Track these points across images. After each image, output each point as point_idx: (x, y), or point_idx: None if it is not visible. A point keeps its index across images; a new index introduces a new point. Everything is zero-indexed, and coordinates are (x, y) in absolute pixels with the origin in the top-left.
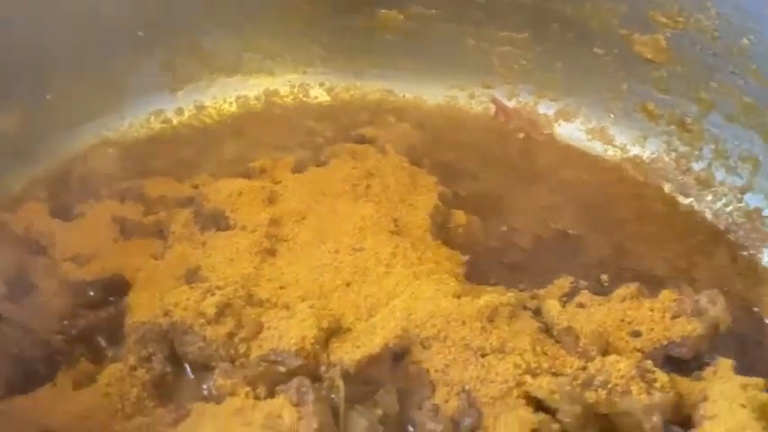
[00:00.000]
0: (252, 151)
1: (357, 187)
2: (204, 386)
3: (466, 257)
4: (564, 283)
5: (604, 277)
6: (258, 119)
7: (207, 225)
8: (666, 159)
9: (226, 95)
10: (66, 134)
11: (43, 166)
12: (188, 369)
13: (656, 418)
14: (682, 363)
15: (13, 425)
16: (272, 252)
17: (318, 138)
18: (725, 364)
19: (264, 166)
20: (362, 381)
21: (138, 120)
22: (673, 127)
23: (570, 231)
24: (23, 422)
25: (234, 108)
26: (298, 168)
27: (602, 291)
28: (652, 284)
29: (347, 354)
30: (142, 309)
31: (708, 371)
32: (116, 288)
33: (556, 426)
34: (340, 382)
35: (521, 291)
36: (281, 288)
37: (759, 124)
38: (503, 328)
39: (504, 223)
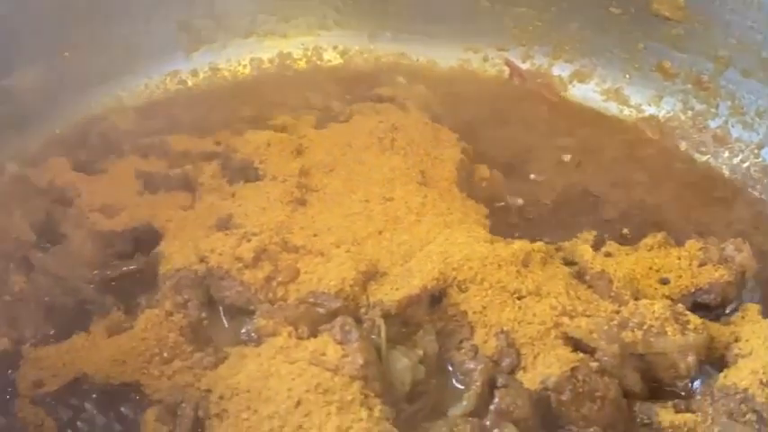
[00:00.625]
0: (270, 111)
1: (383, 140)
2: (243, 330)
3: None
4: (588, 236)
5: (626, 231)
6: (273, 80)
7: (235, 177)
8: (683, 118)
9: (240, 57)
10: (82, 94)
11: (60, 125)
12: (224, 316)
13: (690, 358)
14: (710, 309)
15: (47, 371)
16: (302, 201)
17: (336, 98)
18: (753, 308)
19: (286, 123)
20: (402, 322)
21: (154, 81)
22: (689, 85)
23: (590, 189)
24: (58, 368)
25: (248, 70)
26: (319, 125)
27: (625, 243)
28: (675, 237)
29: (386, 295)
30: (176, 257)
31: (736, 315)
32: (146, 238)
33: (594, 364)
34: (381, 322)
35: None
36: (315, 236)
37: None
38: (537, 273)
39: (526, 180)
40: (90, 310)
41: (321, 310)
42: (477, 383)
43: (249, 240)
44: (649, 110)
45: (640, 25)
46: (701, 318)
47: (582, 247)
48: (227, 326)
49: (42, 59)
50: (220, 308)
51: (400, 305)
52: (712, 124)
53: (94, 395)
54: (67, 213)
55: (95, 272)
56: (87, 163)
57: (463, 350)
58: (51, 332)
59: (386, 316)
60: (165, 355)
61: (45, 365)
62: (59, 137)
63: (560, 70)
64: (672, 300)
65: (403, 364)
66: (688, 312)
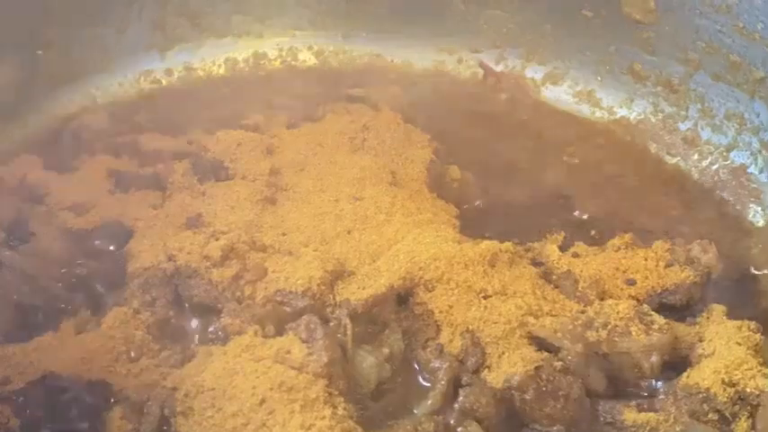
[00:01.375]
0: (243, 111)
1: (354, 140)
2: (210, 329)
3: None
4: (557, 237)
5: (594, 232)
6: (247, 80)
7: (206, 176)
8: (653, 120)
9: (215, 57)
10: (55, 92)
11: (32, 123)
12: (191, 314)
13: (654, 358)
14: (675, 309)
15: (13, 368)
16: (272, 201)
17: (309, 98)
18: (718, 309)
19: (258, 123)
20: (368, 321)
21: (128, 79)
22: (659, 88)
23: (561, 190)
24: (24, 366)
25: (222, 70)
26: (291, 125)
27: (594, 244)
28: (643, 238)
29: (353, 294)
30: (144, 255)
31: (701, 317)
32: (115, 237)
33: (558, 363)
34: (347, 321)
35: (515, 244)
36: (284, 235)
37: (744, 81)
38: (504, 272)
39: (497, 180)
40: (58, 308)
41: (288, 309)
42: (443, 382)
43: (217, 239)
44: (621, 112)
45: (612, 28)
46: (666, 318)
47: (549, 248)
48: (194, 324)
49: (15, 57)
50: (187, 306)
51: (366, 304)
52: (682, 127)
53: (61, 393)
54: (37, 211)
55: (64, 270)
56: (59, 161)
57: (429, 349)
58: (19, 330)
59: (352, 315)
60: (132, 353)
61: (12, 363)
62: (31, 135)
63: (533, 72)
64: (638, 300)
65: (369, 362)
66: (653, 313)
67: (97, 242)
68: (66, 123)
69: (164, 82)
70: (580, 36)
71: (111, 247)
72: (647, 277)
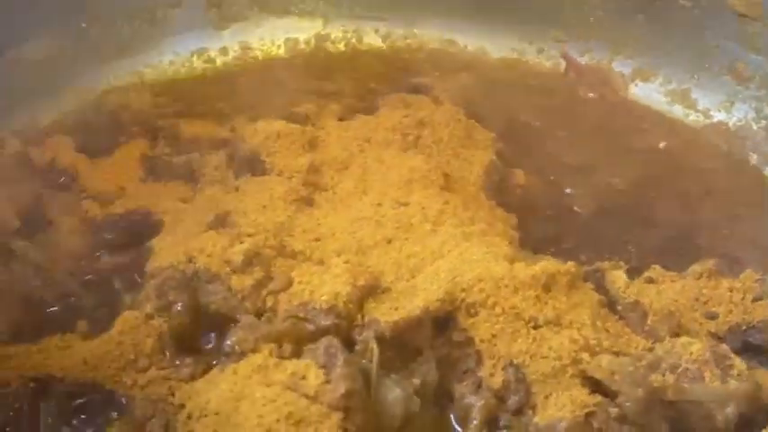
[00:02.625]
0: (297, 97)
1: (407, 137)
2: (227, 342)
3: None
4: (630, 256)
5: (675, 255)
6: (307, 64)
7: (241, 169)
8: (755, 128)
9: (274, 37)
10: (100, 67)
11: (74, 99)
12: (208, 323)
13: (730, 410)
14: (762, 352)
15: (13, 370)
16: (309, 201)
17: (369, 86)
18: None
19: (309, 112)
20: (399, 346)
21: (179, 58)
22: (764, 92)
23: (640, 201)
24: (25, 367)
25: (282, 51)
26: (344, 116)
27: (672, 267)
28: (730, 264)
29: (384, 315)
30: (165, 253)
31: None
32: (139, 230)
33: (614, 410)
34: (374, 345)
35: (581, 263)
36: (316, 240)
37: None
38: (559, 299)
39: (567, 188)
40: (72, 305)
41: (309, 327)
42: (476, 421)
43: (242, 242)
44: (718, 116)
45: (712, 21)
46: (749, 361)
47: (614, 273)
48: (210, 335)
49: (57, 29)
50: (204, 314)
51: (397, 327)
52: None
53: (58, 399)
54: (59, 198)
55: (82, 262)
56: (93, 144)
57: (465, 382)
58: (28, 328)
59: (380, 338)
60: (141, 362)
61: (13, 365)
62: (69, 114)
63: (621, 67)
64: (718, 338)
65: (395, 394)
66: (733, 355)
67: (118, 236)
68: (109, 101)
69: (218, 62)
70: (675, 28)
71: (133, 243)
72: (731, 311)
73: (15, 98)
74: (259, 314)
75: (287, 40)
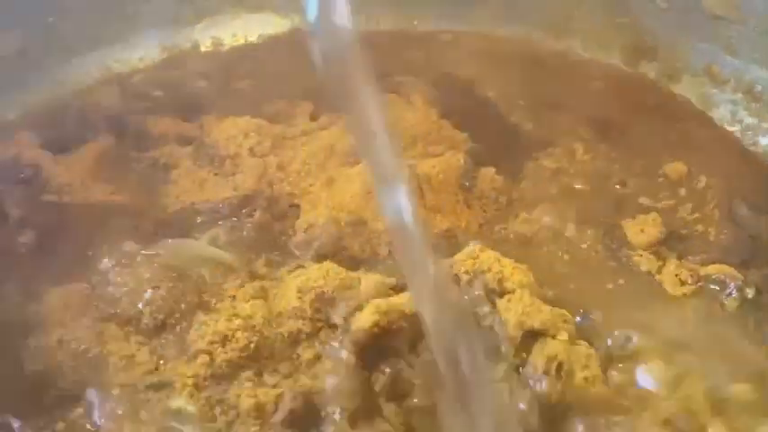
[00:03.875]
0: (270, 95)
1: None
2: None
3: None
4: None
5: None
6: (281, 60)
7: (204, 165)
8: (729, 130)
9: (248, 32)
10: (69, 62)
11: (40, 97)
12: None
13: None
14: None
15: None
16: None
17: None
18: None
19: (279, 111)
20: None
21: (150, 53)
22: (740, 95)
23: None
24: None
25: (255, 47)
26: (317, 114)
27: None
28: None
29: None
30: None
31: None
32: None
33: None
34: None
35: None
36: None
37: None
38: None
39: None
40: None
41: None
42: None
43: None
44: None
45: (688, 23)
46: None
47: None
48: None
49: (25, 23)
50: None
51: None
52: (763, 141)
53: None
54: (17, 192)
55: None
56: (59, 140)
57: None
58: None
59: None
60: None
61: None
62: (37, 109)
63: None
64: None
65: None
66: None
67: None
68: (77, 97)
69: (189, 57)
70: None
71: None
72: None
73: None
74: None
75: (260, 36)
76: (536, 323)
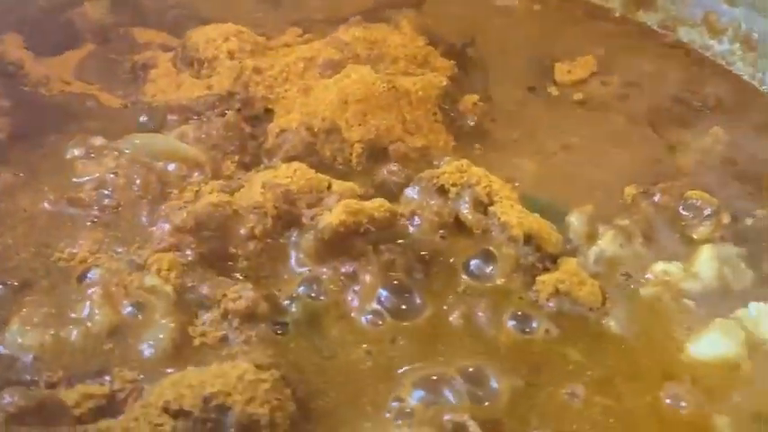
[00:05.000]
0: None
1: (358, 56)
2: None
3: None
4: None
5: None
6: None
7: (184, 69)
8: None
9: None
10: None
11: (35, 3)
12: None
13: None
14: None
15: None
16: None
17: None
18: None
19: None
20: None
21: None
22: (737, 45)
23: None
24: None
25: None
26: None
27: None
28: None
29: None
30: None
31: None
32: None
33: None
34: None
35: None
36: None
37: None
38: None
39: None
40: None
41: None
42: None
43: None
44: None
45: None
46: None
47: None
48: None
49: None
50: None
51: None
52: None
53: None
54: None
55: None
56: (45, 45)
57: None
58: None
59: None
60: None
61: None
62: (27, 17)
63: None
64: None
65: None
66: None
67: None
68: (65, 9)
69: None
70: None
71: None
72: None
73: None
74: None
75: None
76: (533, 227)
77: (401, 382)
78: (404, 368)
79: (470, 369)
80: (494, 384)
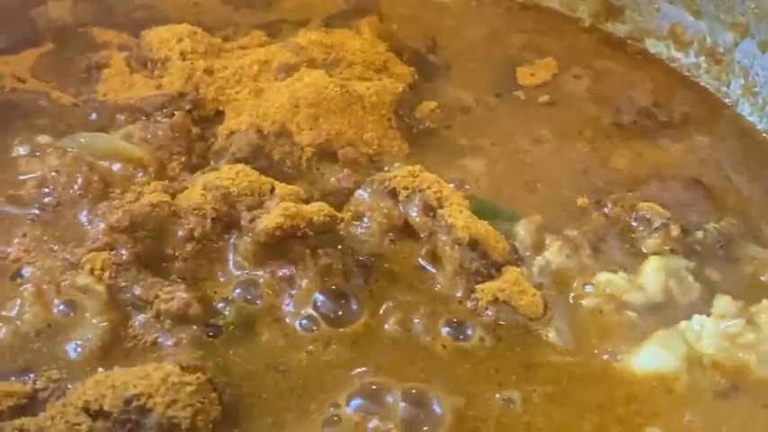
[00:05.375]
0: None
1: (314, 59)
2: None
3: None
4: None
5: None
6: None
7: (138, 69)
8: None
9: None
10: None
11: None
12: None
13: None
14: None
15: None
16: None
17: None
18: None
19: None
20: None
21: None
22: (702, 58)
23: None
24: None
25: None
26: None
27: None
28: None
29: None
30: None
31: None
32: None
33: None
34: None
35: None
36: None
37: None
38: None
39: None
40: None
41: None
42: None
43: None
44: None
45: None
46: None
47: None
48: None
49: None
50: None
51: None
52: None
53: None
54: None
55: None
56: (5, 44)
57: None
58: None
59: None
60: None
61: None
62: None
63: None
64: None
65: None
66: None
67: None
68: (27, 8)
69: None
70: None
71: None
72: None
73: None
74: None
75: None
76: (480, 233)
77: (333, 389)
78: (336, 375)
79: (413, 391)
80: (436, 409)
